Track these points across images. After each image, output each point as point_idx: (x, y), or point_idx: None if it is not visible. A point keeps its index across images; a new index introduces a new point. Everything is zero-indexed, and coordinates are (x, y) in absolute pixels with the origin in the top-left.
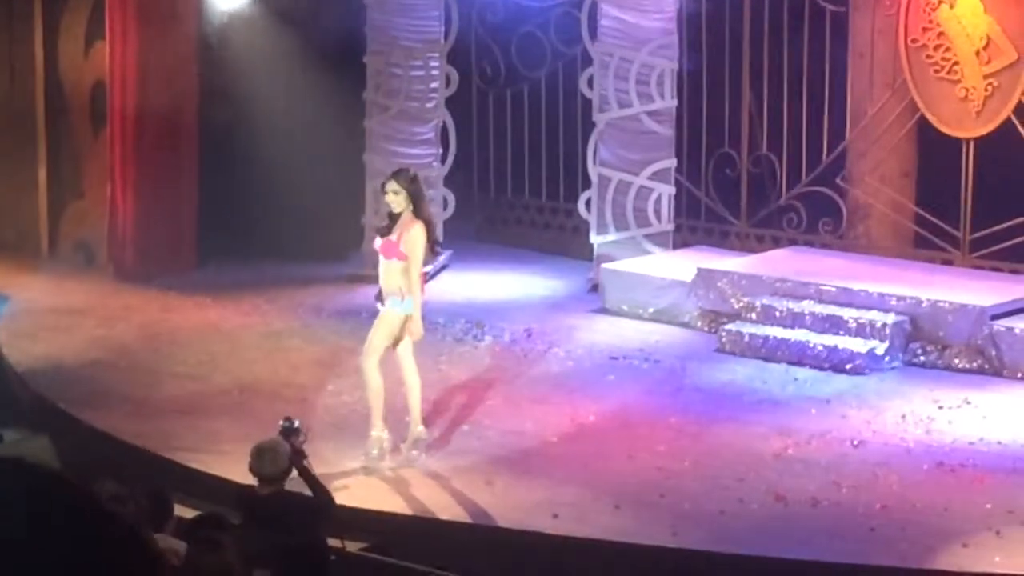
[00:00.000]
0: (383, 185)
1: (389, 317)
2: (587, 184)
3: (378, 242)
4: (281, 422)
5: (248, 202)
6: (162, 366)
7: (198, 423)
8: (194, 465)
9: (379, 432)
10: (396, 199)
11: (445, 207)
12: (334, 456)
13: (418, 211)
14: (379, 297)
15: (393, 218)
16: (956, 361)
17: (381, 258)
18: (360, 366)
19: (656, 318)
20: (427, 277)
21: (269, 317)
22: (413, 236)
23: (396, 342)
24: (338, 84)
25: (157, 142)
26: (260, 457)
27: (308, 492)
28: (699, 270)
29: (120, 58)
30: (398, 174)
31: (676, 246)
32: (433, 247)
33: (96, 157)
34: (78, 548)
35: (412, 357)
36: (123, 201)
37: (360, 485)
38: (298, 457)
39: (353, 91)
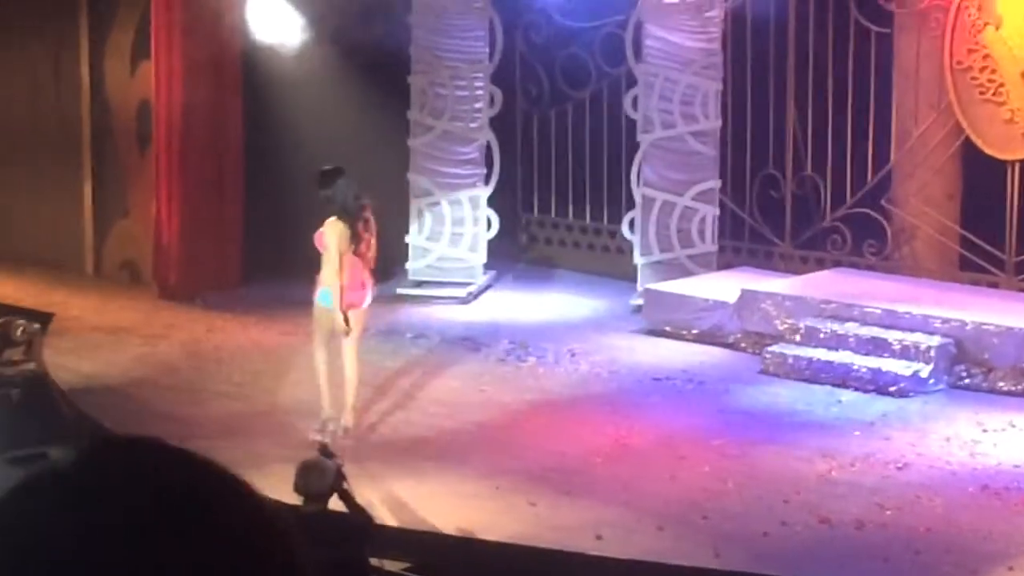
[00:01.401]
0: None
1: (314, 308)
2: (631, 205)
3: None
4: (317, 448)
5: (292, 220)
6: (206, 385)
7: (241, 442)
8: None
9: (327, 413)
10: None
11: (489, 227)
12: (379, 475)
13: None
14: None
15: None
16: (1001, 384)
17: None
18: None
19: (699, 339)
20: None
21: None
22: (325, 230)
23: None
24: (383, 103)
25: (202, 161)
26: (306, 474)
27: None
28: (743, 291)
29: (166, 77)
30: (324, 178)
31: (720, 267)
32: (355, 244)
33: (141, 176)
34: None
35: (352, 351)
36: (168, 220)
37: (402, 505)
38: (339, 478)
39: (398, 110)
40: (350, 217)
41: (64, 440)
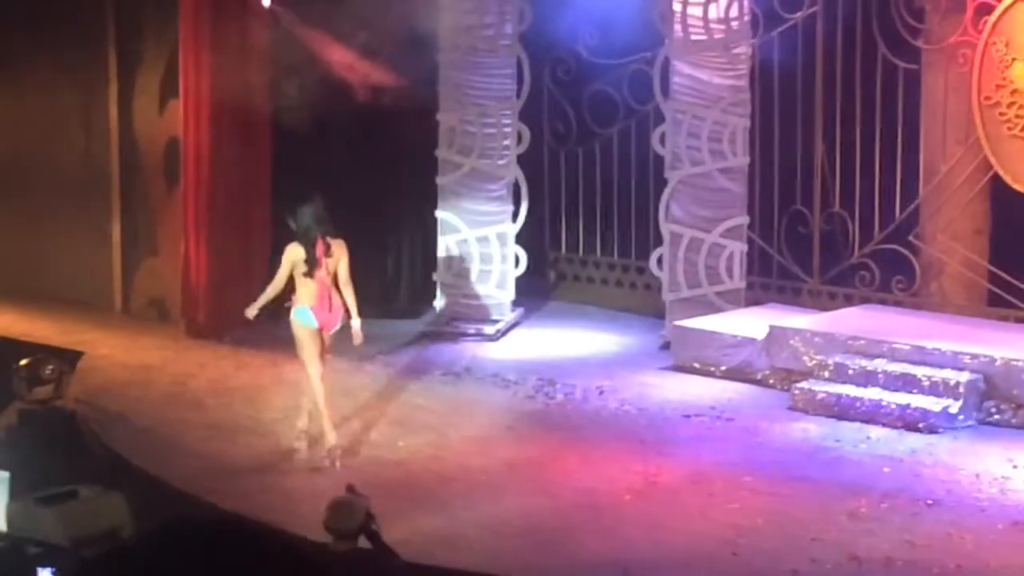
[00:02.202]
0: None
1: (293, 328)
2: (659, 241)
3: None
4: (346, 486)
5: None
6: (235, 422)
7: (271, 480)
8: (268, 523)
9: (331, 440)
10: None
11: (517, 264)
12: (407, 512)
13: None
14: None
15: None
16: None
17: None
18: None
19: (728, 375)
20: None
21: (341, 374)
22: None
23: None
24: (411, 141)
25: (230, 199)
26: (336, 512)
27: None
28: (771, 328)
29: (194, 116)
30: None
31: (748, 304)
32: (309, 267)
33: (169, 214)
34: None
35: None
36: (196, 258)
37: (429, 542)
38: (368, 518)
39: (426, 148)
40: (307, 241)
41: (93, 479)
